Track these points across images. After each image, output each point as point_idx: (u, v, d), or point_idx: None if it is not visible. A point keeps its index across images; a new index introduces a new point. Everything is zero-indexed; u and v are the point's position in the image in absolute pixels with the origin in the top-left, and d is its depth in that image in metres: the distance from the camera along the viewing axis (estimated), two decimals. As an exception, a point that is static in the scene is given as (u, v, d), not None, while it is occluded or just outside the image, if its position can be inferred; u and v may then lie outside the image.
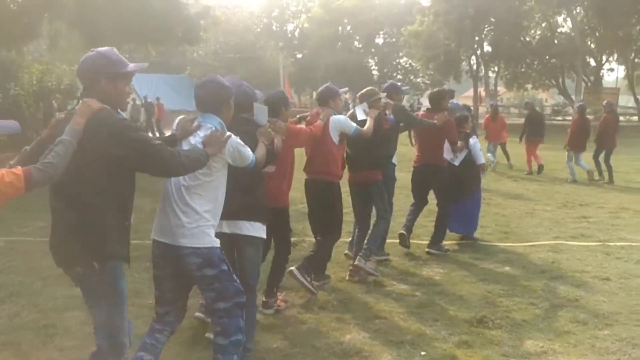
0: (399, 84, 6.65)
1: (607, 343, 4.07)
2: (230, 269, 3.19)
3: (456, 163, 6.71)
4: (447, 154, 6.53)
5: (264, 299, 4.66)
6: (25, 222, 7.82)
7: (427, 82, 49.04)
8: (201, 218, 3.09)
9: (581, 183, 11.84)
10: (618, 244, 6.76)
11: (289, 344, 4.06)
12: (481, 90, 37.76)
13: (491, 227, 7.74)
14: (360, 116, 5.36)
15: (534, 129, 13.27)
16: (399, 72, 56.44)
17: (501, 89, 46.01)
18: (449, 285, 5.35)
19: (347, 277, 5.50)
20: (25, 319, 4.51)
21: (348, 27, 54.89)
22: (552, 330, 4.29)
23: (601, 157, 12.15)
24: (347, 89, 4.69)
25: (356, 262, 5.42)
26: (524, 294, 5.08)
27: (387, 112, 5.68)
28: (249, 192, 3.66)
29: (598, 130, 12.39)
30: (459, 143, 6.49)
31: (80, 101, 2.63)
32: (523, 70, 37.50)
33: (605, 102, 13.47)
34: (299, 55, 55.29)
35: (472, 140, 6.91)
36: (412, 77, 54.11)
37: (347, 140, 5.26)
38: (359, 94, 5.61)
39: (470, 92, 40.09)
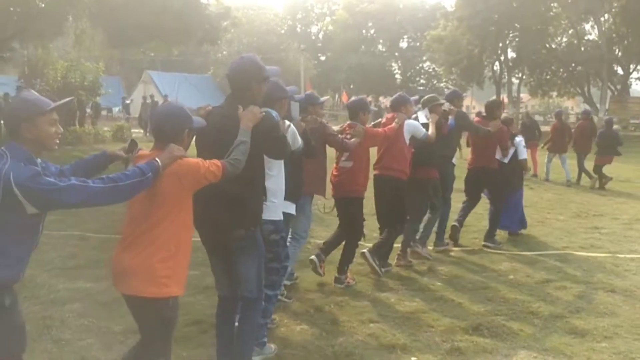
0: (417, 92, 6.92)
1: (603, 356, 3.99)
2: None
3: (506, 161, 7.22)
4: (497, 154, 7.10)
5: (336, 275, 5.38)
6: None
7: (451, 87, 48.71)
8: (272, 196, 3.69)
9: (597, 193, 11.65)
10: (628, 256, 6.62)
11: (280, 345, 4.06)
12: (504, 97, 37.38)
13: (500, 234, 7.64)
14: (422, 120, 6.01)
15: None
16: (422, 76, 56.26)
17: (525, 95, 45.53)
18: (449, 292, 5.30)
19: (394, 261, 6.04)
20: (25, 310, 4.51)
21: (372, 31, 54.92)
22: (548, 341, 4.22)
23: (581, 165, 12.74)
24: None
25: (415, 249, 6.20)
26: (525, 303, 5.01)
27: (449, 117, 6.30)
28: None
29: (574, 135, 13.17)
30: (507, 150, 7.12)
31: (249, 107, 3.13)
32: (548, 77, 37.06)
33: (583, 109, 14.97)
34: (322, 58, 55.48)
35: (518, 139, 7.39)
36: (435, 82, 53.84)
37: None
38: (422, 99, 6.28)
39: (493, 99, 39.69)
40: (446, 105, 6.32)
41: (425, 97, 6.31)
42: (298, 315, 4.64)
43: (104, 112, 30.09)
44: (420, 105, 6.34)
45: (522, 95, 42.74)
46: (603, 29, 31.90)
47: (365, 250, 5.59)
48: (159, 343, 2.87)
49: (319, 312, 4.70)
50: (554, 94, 39.54)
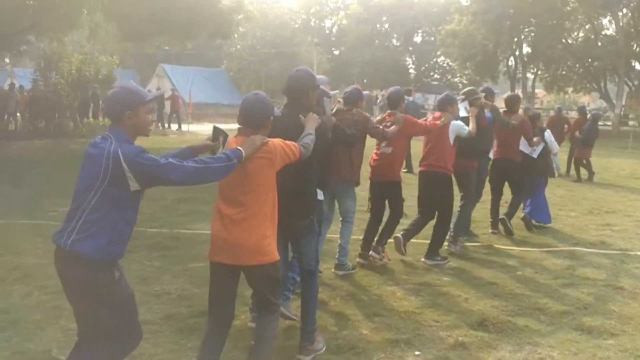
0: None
1: (609, 353, 3.96)
2: None
3: (534, 155, 7.66)
4: (525, 148, 7.54)
5: (374, 245, 5.79)
6: (49, 207, 8.05)
7: (465, 82, 48.35)
8: None
9: (610, 189, 11.53)
10: (639, 253, 6.56)
11: (284, 337, 4.08)
12: (518, 92, 37.05)
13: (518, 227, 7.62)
14: (462, 113, 6.30)
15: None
16: (436, 71, 55.87)
17: (540, 91, 45.07)
18: (455, 287, 5.29)
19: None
20: (35, 300, 4.66)
21: (386, 25, 54.63)
22: (554, 337, 4.21)
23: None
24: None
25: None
26: (531, 299, 4.99)
27: (485, 110, 6.61)
28: None
29: (571, 130, 13.75)
30: (536, 138, 7.55)
31: (310, 114, 3.61)
32: (563, 72, 36.60)
33: (557, 106, 14.94)
34: (336, 52, 55.30)
35: (547, 134, 7.98)
36: (449, 77, 53.48)
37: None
38: (463, 91, 6.58)
39: (507, 94, 39.34)
40: (482, 100, 6.65)
41: (465, 90, 6.69)
42: (303, 308, 4.65)
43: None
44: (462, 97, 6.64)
45: (537, 90, 42.30)
46: (621, 24, 31.38)
47: (423, 259, 6.02)
48: (274, 294, 3.30)
49: (324, 305, 4.70)
50: (570, 89, 39.03)
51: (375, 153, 5.89)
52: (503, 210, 7.55)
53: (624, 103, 31.92)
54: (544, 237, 7.39)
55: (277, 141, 3.18)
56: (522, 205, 7.78)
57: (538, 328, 4.37)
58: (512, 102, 7.56)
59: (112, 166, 2.61)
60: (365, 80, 50.28)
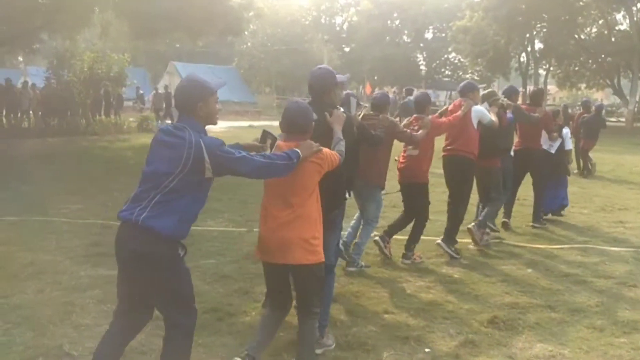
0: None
1: (621, 351, 3.93)
2: None
3: (552, 151, 8.00)
4: (545, 144, 7.86)
5: (404, 252, 5.88)
6: (63, 204, 8.13)
7: (477, 78, 48.05)
8: None
9: (623, 186, 11.42)
10: (652, 250, 6.50)
11: (295, 333, 4.08)
12: (530, 89, 36.79)
13: (522, 227, 7.59)
14: None
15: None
16: (447, 67, 55.57)
17: (552, 87, 44.69)
18: (466, 284, 5.27)
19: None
20: (48, 296, 4.71)
21: (397, 21, 54.41)
22: (565, 334, 4.18)
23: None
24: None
25: (470, 227, 6.48)
26: (543, 296, 4.96)
27: (507, 111, 6.77)
28: None
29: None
30: (554, 134, 7.88)
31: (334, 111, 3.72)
32: (576, 68, 36.27)
33: (562, 104, 15.18)
34: (347, 49, 55.19)
35: (565, 130, 8.28)
36: (460, 73, 53.16)
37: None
38: (482, 94, 6.69)
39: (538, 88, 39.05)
40: (504, 100, 6.85)
41: (485, 92, 6.85)
42: (313, 304, 4.65)
43: (129, 103, 30.44)
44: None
45: (549, 87, 41.96)
46: (635, 19, 31.02)
47: (439, 240, 6.14)
48: (317, 298, 3.46)
49: (334, 302, 4.66)
50: (583, 85, 38.69)
51: (402, 156, 6.01)
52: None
53: (637, 99, 31.58)
54: (556, 234, 7.34)
55: (326, 149, 3.37)
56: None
57: (549, 325, 4.34)
58: (537, 96, 8.00)
59: (193, 155, 2.77)
60: (375, 77, 50.14)
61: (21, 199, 8.65)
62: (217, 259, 5.74)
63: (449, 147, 6.22)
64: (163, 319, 3.00)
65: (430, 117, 5.91)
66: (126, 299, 2.99)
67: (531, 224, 7.67)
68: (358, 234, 5.74)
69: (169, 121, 25.03)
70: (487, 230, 6.80)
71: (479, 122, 6.12)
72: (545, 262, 6.03)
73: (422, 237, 6.12)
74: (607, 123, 27.80)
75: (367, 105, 5.70)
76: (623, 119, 32.20)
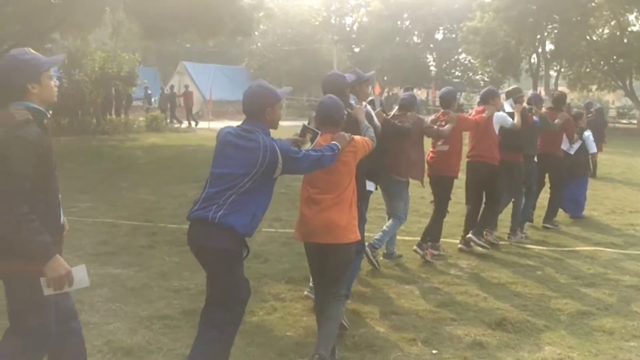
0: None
1: (631, 355, 3.90)
2: None
3: (572, 152, 8.15)
4: (564, 145, 7.97)
5: (419, 242, 6.01)
6: (72, 203, 8.17)
7: (487, 79, 47.84)
8: None
9: (634, 188, 11.32)
10: (663, 254, 6.44)
11: (302, 333, 4.10)
12: (541, 90, 36.54)
13: (530, 230, 7.53)
14: (508, 109, 6.64)
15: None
16: (457, 68, 55.32)
17: (563, 89, 44.32)
18: (474, 286, 5.25)
19: (458, 245, 6.47)
20: (57, 294, 4.72)
21: (407, 22, 54.21)
22: (574, 337, 4.15)
23: None
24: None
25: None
26: (552, 299, 4.93)
27: (534, 117, 6.99)
28: None
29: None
30: (575, 137, 8.01)
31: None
32: (587, 70, 35.96)
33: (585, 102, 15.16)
34: (356, 49, 55.09)
35: (586, 133, 8.45)
36: (470, 74, 52.95)
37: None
38: (506, 91, 6.91)
39: (530, 91, 38.81)
40: (530, 107, 7.10)
41: (510, 88, 7.14)
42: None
43: (139, 102, 30.57)
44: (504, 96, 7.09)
45: (560, 88, 41.62)
46: (647, 19, 30.83)
47: (469, 234, 6.31)
48: (345, 278, 3.73)
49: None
50: (594, 87, 38.35)
51: (432, 151, 6.22)
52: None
53: (649, 101, 31.31)
54: (565, 236, 7.30)
55: (358, 137, 3.67)
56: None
57: (558, 328, 4.31)
58: (560, 101, 8.04)
59: (269, 157, 3.04)
60: (385, 78, 50.03)
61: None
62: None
63: (471, 154, 6.47)
64: (202, 313, 3.18)
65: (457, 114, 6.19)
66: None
67: (542, 224, 7.71)
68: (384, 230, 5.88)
69: (178, 123, 25.15)
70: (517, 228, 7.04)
71: (501, 127, 6.35)
72: (554, 265, 5.99)
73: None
74: (619, 125, 27.81)
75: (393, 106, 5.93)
76: (634, 121, 31.94)
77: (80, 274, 2.64)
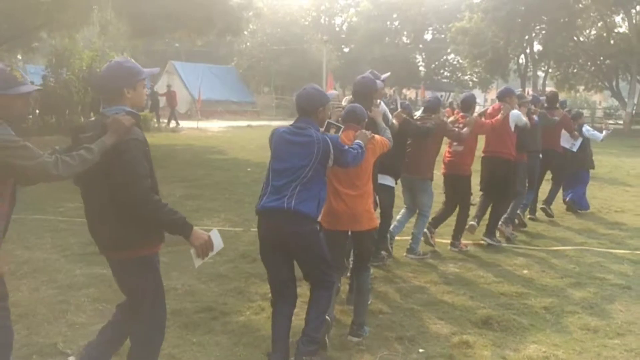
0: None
1: (614, 352, 3.95)
2: None
3: (574, 149, 8.49)
4: (566, 143, 8.37)
5: (451, 240, 6.45)
6: (60, 203, 8.13)
7: (475, 79, 48.10)
8: None
9: (620, 188, 11.44)
10: (648, 253, 6.51)
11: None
12: (529, 90, 36.77)
13: (518, 229, 7.58)
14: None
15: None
16: (446, 68, 55.57)
17: (550, 89, 44.64)
18: (461, 285, 5.28)
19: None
20: (43, 294, 4.71)
21: (396, 22, 54.35)
22: (559, 336, 4.20)
23: None
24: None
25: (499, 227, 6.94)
26: (537, 298, 4.97)
27: (534, 117, 7.29)
28: None
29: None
30: (575, 134, 8.41)
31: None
32: (575, 71, 36.25)
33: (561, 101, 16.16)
34: (346, 49, 55.14)
35: (585, 128, 8.91)
36: (459, 75, 53.20)
37: None
38: (498, 92, 7.13)
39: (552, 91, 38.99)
40: (531, 106, 7.42)
41: (501, 89, 7.39)
42: (308, 304, 4.66)
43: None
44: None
45: (548, 89, 41.93)
46: (634, 21, 30.97)
47: (484, 238, 6.66)
48: (370, 256, 4.25)
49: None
50: (581, 88, 38.65)
51: (448, 151, 6.55)
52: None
53: (635, 102, 31.62)
54: (552, 235, 7.36)
55: (377, 136, 4.08)
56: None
57: (543, 327, 4.36)
58: (554, 99, 8.40)
59: (322, 150, 3.47)
60: (375, 78, 50.01)
61: (18, 197, 8.62)
62: (213, 258, 5.65)
63: (488, 149, 6.79)
64: (308, 281, 3.69)
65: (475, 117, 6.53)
66: (277, 282, 3.65)
67: (541, 206, 8.32)
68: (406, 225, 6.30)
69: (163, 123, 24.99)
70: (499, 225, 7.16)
71: (516, 125, 6.62)
72: (541, 264, 6.04)
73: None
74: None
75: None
76: (621, 122, 32.20)
77: (216, 239, 2.93)
